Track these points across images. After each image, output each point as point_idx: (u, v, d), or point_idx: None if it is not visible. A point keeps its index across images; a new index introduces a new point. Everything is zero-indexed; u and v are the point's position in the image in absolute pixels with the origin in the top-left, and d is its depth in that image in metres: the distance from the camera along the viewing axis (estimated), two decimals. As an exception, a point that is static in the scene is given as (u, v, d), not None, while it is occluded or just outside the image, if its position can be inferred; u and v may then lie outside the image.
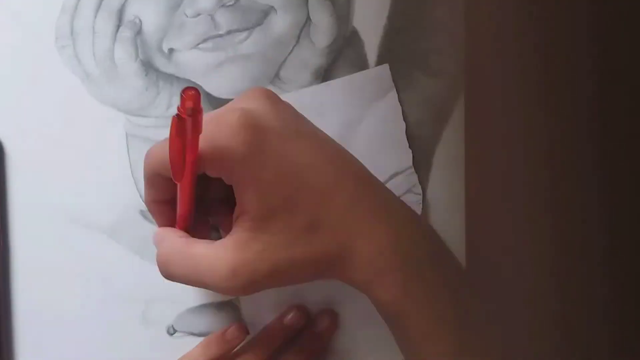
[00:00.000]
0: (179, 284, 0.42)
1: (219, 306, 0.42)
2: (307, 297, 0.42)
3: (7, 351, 0.41)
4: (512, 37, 0.44)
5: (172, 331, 0.42)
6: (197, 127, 0.31)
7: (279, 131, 0.34)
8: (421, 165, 0.43)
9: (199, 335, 0.42)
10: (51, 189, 0.42)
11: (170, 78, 0.42)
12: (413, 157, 0.42)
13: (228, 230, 0.36)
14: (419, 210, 0.42)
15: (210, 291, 0.40)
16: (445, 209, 0.43)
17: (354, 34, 0.43)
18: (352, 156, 0.37)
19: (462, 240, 0.43)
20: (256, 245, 0.34)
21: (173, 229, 0.37)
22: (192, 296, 0.42)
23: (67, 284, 0.42)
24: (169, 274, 0.36)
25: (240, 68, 0.42)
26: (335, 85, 0.42)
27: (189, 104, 0.30)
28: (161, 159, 0.35)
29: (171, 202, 0.37)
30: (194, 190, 0.35)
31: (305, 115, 0.38)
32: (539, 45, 0.45)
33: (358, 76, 0.42)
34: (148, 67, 0.42)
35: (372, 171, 0.38)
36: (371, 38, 0.43)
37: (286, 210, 0.34)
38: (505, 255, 0.45)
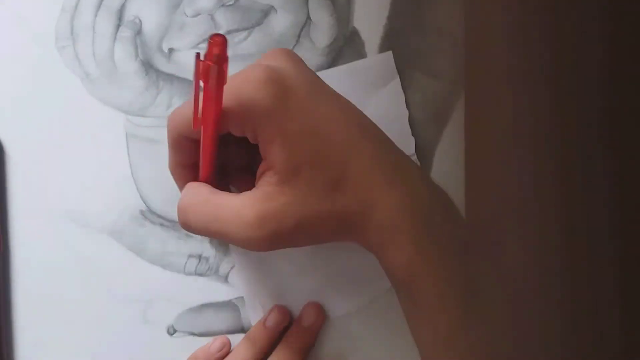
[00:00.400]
0: (178, 283, 0.42)
1: (219, 306, 0.42)
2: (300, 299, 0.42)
3: (8, 351, 0.41)
4: (512, 37, 0.45)
5: (172, 331, 0.42)
6: (222, 76, 0.31)
7: (303, 88, 0.35)
8: (421, 165, 0.43)
9: (199, 335, 0.42)
10: (51, 189, 0.42)
11: (170, 78, 0.42)
12: (416, 143, 0.42)
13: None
14: None
15: (212, 289, 0.40)
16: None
17: (354, 34, 0.43)
18: (369, 119, 0.37)
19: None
20: (283, 198, 0.34)
21: (198, 182, 0.37)
22: (192, 296, 0.42)
23: (67, 284, 0.42)
24: (188, 221, 0.36)
25: (240, 68, 0.41)
26: (339, 71, 0.42)
27: (215, 50, 0.30)
28: (186, 119, 0.35)
29: (195, 167, 0.37)
30: (216, 146, 0.35)
31: None
32: (539, 45, 0.45)
33: (361, 63, 0.42)
34: (148, 66, 0.42)
35: None
36: (371, 38, 0.43)
37: (312, 165, 0.34)
38: (506, 255, 0.45)
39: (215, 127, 0.34)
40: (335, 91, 0.37)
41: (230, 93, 0.33)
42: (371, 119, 0.38)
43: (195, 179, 0.37)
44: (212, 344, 0.41)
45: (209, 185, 0.37)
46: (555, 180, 0.45)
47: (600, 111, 0.46)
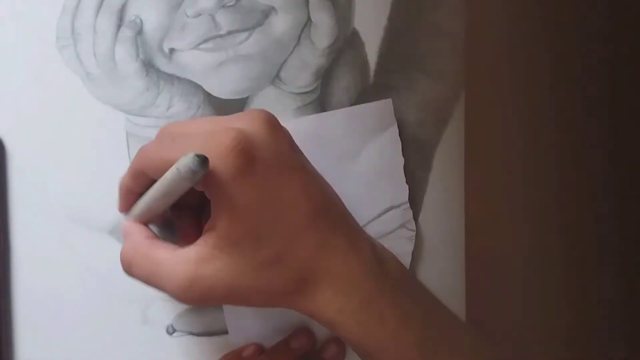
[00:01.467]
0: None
1: (218, 306, 0.42)
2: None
3: (7, 350, 0.41)
4: (511, 39, 0.45)
5: (171, 330, 0.42)
6: None
7: (269, 161, 0.34)
8: (421, 167, 0.43)
9: (198, 334, 0.42)
10: (52, 187, 0.42)
11: (171, 78, 0.42)
12: (409, 193, 0.42)
13: (185, 236, 0.38)
14: (410, 246, 0.43)
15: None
16: (445, 211, 0.43)
17: (355, 35, 0.43)
18: (335, 196, 0.37)
19: (462, 241, 0.43)
20: (216, 264, 0.34)
21: (141, 226, 0.38)
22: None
23: (66, 283, 0.42)
24: (131, 273, 0.37)
25: (241, 68, 0.42)
26: (337, 115, 0.42)
27: None
28: (154, 163, 0.35)
29: (141, 194, 0.38)
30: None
31: (305, 143, 0.38)
32: (539, 46, 0.45)
33: (360, 108, 0.42)
34: (149, 67, 0.42)
35: (367, 203, 0.40)
36: (372, 39, 0.43)
37: (255, 240, 0.34)
38: (504, 256, 0.45)
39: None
40: (306, 162, 0.37)
41: (194, 149, 0.32)
42: (366, 164, 0.39)
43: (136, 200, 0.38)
44: (245, 348, 0.42)
45: (150, 233, 0.37)
46: (554, 180, 0.45)
47: (601, 112, 0.47)
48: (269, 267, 0.34)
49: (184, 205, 0.39)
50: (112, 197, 0.41)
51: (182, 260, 0.35)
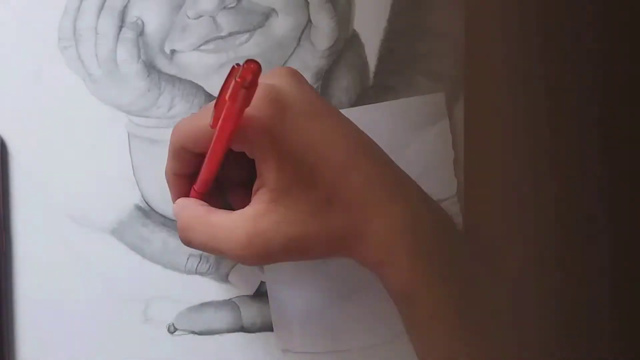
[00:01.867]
0: (179, 282, 0.42)
1: (219, 305, 0.43)
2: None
3: (9, 349, 0.41)
4: (511, 40, 0.45)
5: (172, 329, 0.42)
6: (247, 101, 0.32)
7: (300, 108, 0.35)
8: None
9: (200, 334, 0.42)
10: (53, 188, 0.42)
11: (172, 79, 0.42)
12: (457, 186, 0.43)
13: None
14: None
15: (212, 288, 0.40)
16: (445, 210, 0.43)
17: (355, 36, 0.43)
18: (369, 138, 0.38)
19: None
20: (273, 216, 0.35)
21: (193, 199, 0.38)
22: (192, 295, 0.42)
23: (68, 283, 0.42)
24: (189, 241, 0.37)
25: (242, 70, 0.42)
26: (388, 106, 0.42)
27: (249, 77, 0.31)
28: (189, 132, 0.36)
29: (190, 177, 0.38)
30: (221, 163, 0.36)
31: None
32: (539, 47, 0.45)
33: (412, 100, 0.42)
34: (150, 68, 0.42)
35: None
36: (371, 41, 0.43)
37: (304, 184, 0.35)
38: (505, 253, 0.45)
39: (227, 144, 0.34)
40: (335, 109, 0.38)
41: None
42: (416, 156, 0.40)
43: (188, 188, 0.39)
44: None
45: (204, 204, 0.38)
46: (554, 179, 0.46)
47: (599, 112, 0.47)
48: (322, 211, 0.35)
49: (234, 183, 0.40)
50: (114, 196, 0.42)
51: (239, 220, 0.35)
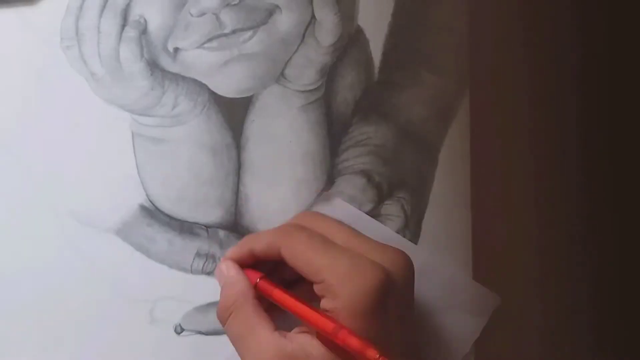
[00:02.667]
0: (185, 282, 0.42)
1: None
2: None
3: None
4: (515, 35, 0.45)
5: (179, 330, 0.42)
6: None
7: (399, 303, 0.35)
8: (427, 163, 0.43)
9: (206, 334, 0.42)
10: (57, 188, 0.42)
11: (176, 77, 0.42)
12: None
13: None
14: None
15: (218, 288, 0.40)
16: (451, 206, 0.43)
17: (359, 32, 0.43)
18: None
19: (469, 236, 0.43)
20: None
21: (246, 279, 0.38)
22: (199, 295, 0.42)
23: (73, 284, 0.42)
24: (225, 323, 0.38)
25: (246, 67, 0.42)
26: (449, 270, 0.42)
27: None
28: (300, 259, 0.37)
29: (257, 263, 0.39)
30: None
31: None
32: (543, 43, 0.45)
33: (471, 285, 0.42)
34: (153, 66, 0.42)
35: None
36: (376, 36, 0.43)
37: None
38: (511, 251, 0.45)
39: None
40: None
41: (340, 271, 0.34)
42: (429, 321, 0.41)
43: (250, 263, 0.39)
44: None
45: (255, 292, 0.38)
46: (558, 175, 0.45)
47: (603, 110, 0.47)
48: None
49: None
50: (119, 196, 0.41)
51: (275, 347, 0.35)
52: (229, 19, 0.42)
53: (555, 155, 0.46)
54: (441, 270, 0.42)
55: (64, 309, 0.42)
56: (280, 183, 0.42)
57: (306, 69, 0.42)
